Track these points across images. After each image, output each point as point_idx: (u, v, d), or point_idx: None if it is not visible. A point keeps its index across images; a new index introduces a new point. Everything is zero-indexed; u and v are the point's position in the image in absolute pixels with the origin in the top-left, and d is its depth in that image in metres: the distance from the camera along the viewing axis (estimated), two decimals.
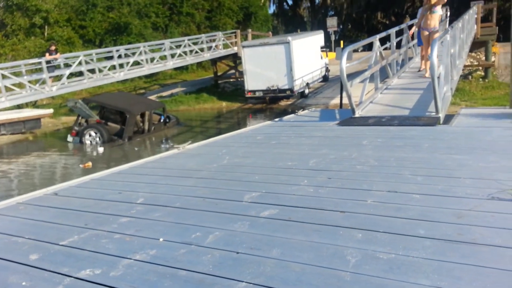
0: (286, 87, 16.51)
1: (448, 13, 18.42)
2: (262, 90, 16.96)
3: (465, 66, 14.54)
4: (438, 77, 5.76)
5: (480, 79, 16.42)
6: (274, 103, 17.93)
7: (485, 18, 18.82)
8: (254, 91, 17.12)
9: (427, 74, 8.56)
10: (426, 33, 8.46)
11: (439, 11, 8.32)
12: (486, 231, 2.09)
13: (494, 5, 19.84)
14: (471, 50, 15.39)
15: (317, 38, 19.56)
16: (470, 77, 16.75)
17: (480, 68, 17.08)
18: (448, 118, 5.82)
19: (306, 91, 17.67)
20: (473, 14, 14.88)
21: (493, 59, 17.63)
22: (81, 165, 9.00)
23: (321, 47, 20.36)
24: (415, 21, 9.52)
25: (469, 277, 1.67)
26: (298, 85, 16.73)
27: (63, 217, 2.76)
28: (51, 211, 2.93)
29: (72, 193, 3.35)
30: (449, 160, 3.59)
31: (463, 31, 10.07)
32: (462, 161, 3.52)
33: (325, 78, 20.65)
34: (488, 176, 3.02)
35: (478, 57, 17.72)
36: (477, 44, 16.76)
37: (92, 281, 1.85)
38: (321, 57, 20.11)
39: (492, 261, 1.78)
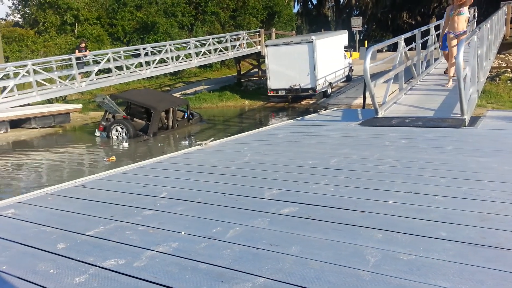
0: (309, 86, 16.46)
1: (476, 14, 17.97)
2: (285, 89, 16.95)
3: (492, 67, 14.15)
4: (464, 79, 5.65)
5: (508, 81, 15.92)
6: (296, 102, 17.90)
7: None
8: (276, 90, 17.13)
9: (449, 85, 8.05)
10: (452, 36, 7.75)
11: (466, 13, 7.63)
12: (511, 235, 2.06)
13: None
14: (499, 52, 14.96)
15: (341, 37, 19.40)
16: (497, 79, 16.27)
17: (509, 70, 16.57)
18: (474, 120, 5.70)
19: (329, 90, 17.57)
20: (502, 14, 14.46)
21: None
22: (105, 159, 9.23)
23: (345, 47, 20.17)
24: (442, 22, 9.14)
25: (492, 282, 1.65)
26: (320, 85, 16.65)
27: (89, 208, 2.86)
28: (79, 202, 3.03)
29: (99, 185, 3.46)
30: (473, 162, 3.52)
31: (491, 32, 9.82)
32: (487, 164, 3.45)
33: (348, 78, 20.45)
34: None
35: (507, 58, 17.19)
36: (506, 46, 16.27)
37: (116, 270, 1.92)
38: (345, 57, 19.92)
39: None
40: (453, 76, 7.58)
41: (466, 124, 5.47)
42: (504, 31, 15.37)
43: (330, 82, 17.59)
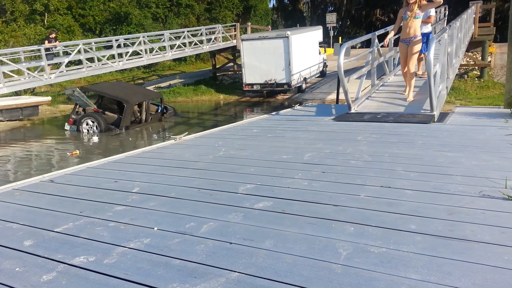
0: (284, 81, 16.60)
1: (446, 12, 18.48)
2: (260, 84, 17.04)
3: (461, 65, 14.58)
4: (434, 76, 5.79)
5: (476, 79, 16.49)
6: (271, 97, 17.96)
7: (483, 18, 18.84)
8: (251, 85, 17.20)
9: (420, 72, 8.40)
10: (405, 46, 6.76)
11: (421, 17, 6.75)
12: (477, 228, 2.13)
13: (492, 6, 19.88)
14: (468, 50, 15.43)
15: (316, 33, 19.60)
16: (466, 76, 16.82)
17: (476, 67, 17.14)
18: (443, 116, 5.86)
19: (304, 86, 17.76)
20: (471, 13, 14.90)
21: (489, 59, 17.68)
22: (68, 153, 9.05)
23: (320, 43, 20.35)
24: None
25: (459, 273, 1.70)
26: (295, 80, 16.81)
27: (58, 204, 2.77)
28: (47, 198, 2.94)
29: (68, 180, 3.36)
30: (442, 157, 3.62)
31: (461, 31, 10.10)
32: (455, 158, 3.56)
33: (322, 74, 20.67)
34: (480, 174, 3.05)
35: (474, 56, 17.76)
36: (474, 44, 16.82)
37: (86, 268, 1.87)
38: (319, 53, 20.11)
39: (482, 258, 1.81)
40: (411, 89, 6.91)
41: (436, 120, 5.62)
42: (472, 30, 15.84)
43: (305, 78, 17.75)
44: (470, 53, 17.54)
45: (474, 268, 1.74)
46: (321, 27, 21.37)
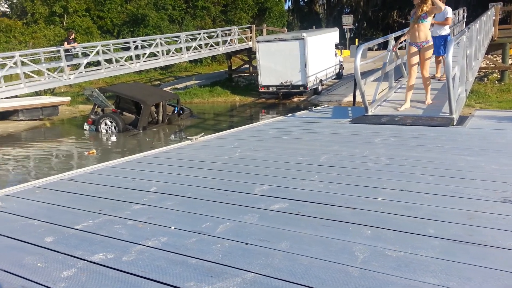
0: (300, 83, 16.53)
1: (465, 14, 18.17)
2: (276, 86, 17.01)
3: (481, 68, 14.33)
4: (453, 78, 5.70)
5: (496, 82, 16.16)
6: (287, 98, 17.94)
7: (503, 20, 18.48)
8: (267, 86, 17.18)
9: (438, 74, 8.42)
10: (414, 49, 6.40)
11: (430, 20, 6.37)
12: (498, 234, 2.09)
13: None
14: (487, 52, 15.14)
15: (332, 35, 19.50)
16: (485, 79, 16.50)
17: (496, 70, 16.81)
18: (462, 120, 5.77)
19: (320, 87, 17.68)
20: (491, 15, 14.62)
21: (510, 61, 17.32)
22: (85, 152, 9.21)
23: (336, 45, 20.24)
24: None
25: (479, 279, 1.67)
26: (311, 82, 16.73)
27: (78, 202, 2.83)
28: (67, 195, 3.00)
29: (87, 179, 3.42)
30: (461, 161, 3.57)
31: (480, 33, 9.92)
32: (475, 162, 3.50)
33: (338, 76, 20.56)
34: (500, 178, 2.99)
35: (494, 59, 17.42)
36: (494, 46, 16.48)
37: (104, 265, 1.91)
38: (336, 55, 20.01)
39: (503, 264, 1.78)
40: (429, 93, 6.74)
41: (455, 123, 5.53)
42: (492, 32, 15.55)
43: (321, 79, 17.65)
44: (490, 56, 17.22)
45: (495, 274, 1.71)
46: (337, 29, 21.25)
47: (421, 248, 1.95)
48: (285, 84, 16.70)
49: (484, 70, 16.58)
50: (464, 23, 17.04)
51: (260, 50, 17.05)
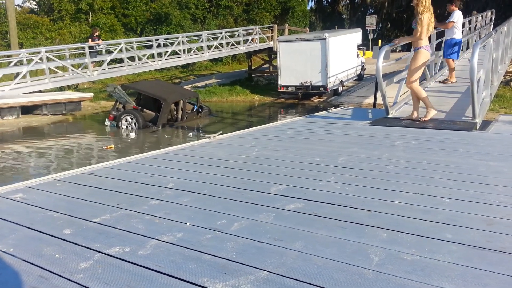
0: (320, 83, 16.42)
1: (493, 16, 17.69)
2: (295, 86, 16.94)
3: (507, 72, 13.94)
4: (478, 82, 5.57)
5: None
6: (306, 99, 17.86)
7: None
8: (287, 86, 17.13)
9: (453, 79, 8.45)
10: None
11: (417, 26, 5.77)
12: None
13: None
14: None
15: (355, 36, 19.31)
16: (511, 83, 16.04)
17: None
18: (485, 124, 5.63)
19: (340, 88, 17.52)
20: None
21: None
22: (104, 147, 9.39)
23: (358, 45, 20.02)
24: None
25: (496, 285, 1.64)
26: (331, 83, 16.61)
27: (97, 195, 2.89)
28: (86, 189, 3.06)
29: (107, 173, 3.49)
30: (483, 166, 3.48)
31: (508, 36, 9.67)
32: (497, 168, 3.41)
33: (360, 77, 20.35)
34: None
35: None
36: None
37: (121, 258, 1.94)
38: (358, 56, 19.82)
39: None
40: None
41: (478, 127, 5.41)
42: None
43: (341, 80, 17.49)
44: None
45: None
46: (360, 29, 21.02)
47: (438, 253, 1.92)
48: (305, 84, 16.62)
49: (510, 74, 16.13)
50: (492, 25, 16.61)
51: (281, 50, 17.00)
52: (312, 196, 2.78)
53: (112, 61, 16.37)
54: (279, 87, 17.46)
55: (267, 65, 22.64)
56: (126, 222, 2.37)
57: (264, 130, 5.83)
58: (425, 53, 5.84)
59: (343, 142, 4.69)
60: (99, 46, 16.33)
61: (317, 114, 7.56)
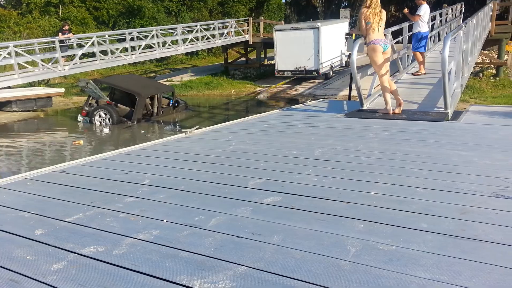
0: (313, 68, 17.97)
1: (463, 9, 18.20)
2: (291, 70, 18.50)
3: (477, 63, 14.34)
4: (449, 73, 5.70)
5: (491, 77, 16.19)
6: (299, 84, 18.84)
7: (500, 16, 18.47)
8: (283, 71, 18.61)
9: (422, 71, 8.73)
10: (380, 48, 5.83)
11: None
12: (489, 228, 2.09)
13: (510, 3, 19.44)
14: (484, 48, 15.14)
15: (343, 25, 20.82)
16: (481, 74, 16.51)
17: (492, 66, 16.83)
18: (457, 115, 5.78)
19: (330, 73, 19.10)
20: (488, 11, 14.62)
21: (505, 57, 17.33)
22: (72, 142, 9.17)
23: (346, 34, 20.50)
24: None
25: (469, 273, 1.68)
26: (323, 67, 18.16)
27: (69, 194, 2.80)
28: (58, 188, 2.97)
29: (80, 171, 3.40)
30: (455, 156, 3.57)
31: (477, 28, 9.92)
32: (468, 157, 3.51)
33: (347, 64, 20.91)
34: (493, 173, 3.00)
35: (490, 55, 17.44)
36: (491, 42, 16.47)
37: (95, 258, 1.89)
38: (345, 44, 20.32)
39: (493, 258, 1.79)
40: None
41: (449, 118, 5.55)
42: (489, 28, 15.55)
43: (331, 66, 18.99)
44: (486, 51, 17.24)
45: (485, 268, 1.71)
46: (347, 19, 21.56)
47: (414, 242, 1.96)
48: (299, 69, 18.17)
49: (480, 66, 16.60)
50: (462, 18, 17.03)
51: (277, 38, 18.39)
52: (289, 189, 2.79)
53: (84, 55, 15.92)
54: (276, 71, 18.81)
55: (244, 59, 22.57)
56: (100, 221, 2.31)
57: (241, 124, 5.81)
58: (372, 47, 5.85)
59: (319, 135, 4.72)
60: (70, 40, 15.86)
61: (294, 106, 7.59)
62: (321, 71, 17.99)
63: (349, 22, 23.12)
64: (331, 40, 18.47)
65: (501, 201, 2.47)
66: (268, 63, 23.05)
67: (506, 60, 17.30)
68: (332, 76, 19.13)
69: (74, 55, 15.20)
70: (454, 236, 2.01)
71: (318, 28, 17.56)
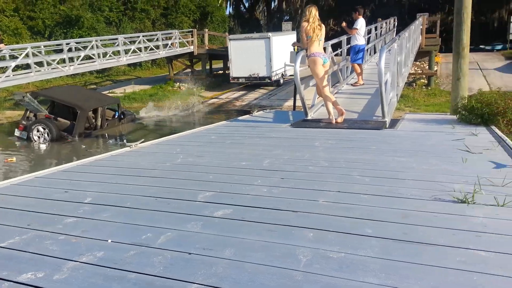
0: (265, 75, 19.16)
1: (396, 23, 19.46)
2: (245, 77, 19.59)
3: (410, 74, 15.26)
4: (385, 83, 6.00)
5: (424, 87, 17.30)
6: (253, 89, 19.66)
7: (429, 30, 19.89)
8: (238, 78, 19.66)
9: (361, 82, 9.20)
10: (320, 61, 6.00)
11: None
12: (430, 231, 2.21)
13: (437, 18, 21.03)
14: (416, 59, 16.17)
15: (292, 37, 21.52)
16: (414, 84, 17.61)
17: (424, 76, 18.01)
18: (394, 123, 6.08)
19: (281, 80, 20.29)
20: (418, 25, 15.66)
21: (435, 68, 18.64)
22: (4, 160, 8.58)
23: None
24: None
25: (415, 276, 1.75)
26: (275, 75, 19.35)
27: (3, 217, 2.60)
28: None
29: (14, 191, 3.16)
30: (394, 162, 3.75)
31: (409, 41, 10.58)
32: (407, 163, 3.70)
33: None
34: (430, 178, 3.18)
35: (422, 66, 18.65)
36: (422, 54, 17.67)
37: (34, 285, 1.76)
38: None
39: (436, 260, 1.88)
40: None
41: (387, 126, 5.82)
42: (420, 40, 16.65)
43: (282, 73, 20.25)
44: (418, 63, 18.42)
45: (429, 270, 1.80)
46: (295, 32, 22.32)
47: (361, 248, 2.01)
48: (253, 76, 19.28)
49: (412, 76, 17.68)
50: (395, 31, 18.09)
51: (232, 47, 19.40)
52: (240, 201, 2.77)
53: (18, 67, 14.96)
54: (231, 78, 19.78)
55: (189, 70, 22.41)
56: (38, 244, 2.16)
57: (188, 136, 5.72)
58: (313, 59, 6.04)
59: (267, 145, 4.77)
60: (1, 51, 14.85)
61: (240, 118, 7.61)
62: (273, 78, 19.28)
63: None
64: (281, 49, 19.51)
65: (439, 204, 2.62)
66: (217, 73, 23.47)
67: (436, 70, 18.60)
68: (282, 83, 20.30)
69: (6, 67, 14.24)
70: (397, 240, 2.10)
71: (269, 38, 18.88)
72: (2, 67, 14.49)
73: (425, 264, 1.85)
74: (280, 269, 1.83)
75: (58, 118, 11.23)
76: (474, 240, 2.07)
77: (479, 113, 5.65)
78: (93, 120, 11.68)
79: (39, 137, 10.80)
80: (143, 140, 5.14)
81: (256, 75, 19.27)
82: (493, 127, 5.39)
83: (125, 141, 10.29)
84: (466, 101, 6.16)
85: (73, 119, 11.20)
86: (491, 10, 32.02)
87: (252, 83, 20.00)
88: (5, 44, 15.74)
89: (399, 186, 3.00)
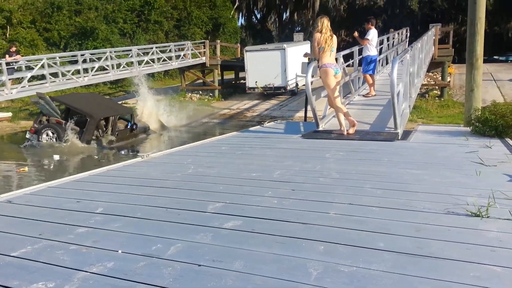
0: (281, 85, 19.65)
1: (408, 34, 19.42)
2: (261, 87, 19.98)
3: (422, 85, 15.16)
4: (397, 95, 5.97)
5: (436, 98, 17.15)
6: (269, 98, 20.03)
7: (442, 40, 19.80)
8: (253, 88, 20.12)
9: (372, 93, 9.14)
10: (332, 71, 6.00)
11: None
12: (444, 245, 2.17)
13: (450, 28, 20.94)
14: (428, 70, 16.07)
15: (306, 47, 21.85)
16: (427, 95, 17.47)
17: (437, 87, 17.87)
18: (406, 134, 6.03)
19: (296, 90, 20.53)
20: (431, 35, 15.59)
21: (448, 79, 18.48)
22: (16, 170, 8.68)
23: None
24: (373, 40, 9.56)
25: None
26: (290, 84, 19.70)
27: (16, 226, 2.62)
28: (3, 219, 2.77)
29: (27, 201, 3.20)
30: (407, 174, 3.71)
31: (422, 51, 10.53)
32: (419, 176, 3.65)
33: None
34: (443, 191, 3.14)
35: (435, 76, 18.53)
36: (434, 65, 17.55)
37: None
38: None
39: (450, 275, 1.84)
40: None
41: (399, 137, 5.78)
42: (433, 51, 16.56)
43: (297, 83, 20.38)
44: (430, 73, 18.30)
45: (443, 285, 1.76)
46: (309, 42, 22.52)
47: (373, 262, 1.98)
48: (268, 86, 19.72)
49: (425, 87, 17.56)
50: (407, 42, 18.04)
51: (248, 58, 19.96)
52: (249, 212, 2.76)
53: (33, 78, 15.26)
54: (247, 89, 20.31)
55: (201, 81, 22.62)
56: (49, 254, 2.17)
57: (199, 147, 5.75)
58: (324, 70, 6.03)
59: (277, 156, 4.76)
60: (17, 62, 15.18)
61: (251, 128, 7.62)
62: (288, 88, 19.76)
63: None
64: (296, 60, 19.61)
65: (452, 217, 2.57)
66: (230, 83, 23.90)
67: (449, 81, 18.44)
68: (297, 92, 20.54)
69: (22, 77, 14.54)
70: (411, 254, 2.06)
71: (284, 49, 19.36)
72: (18, 78, 14.79)
73: (439, 279, 1.81)
74: (290, 282, 1.81)
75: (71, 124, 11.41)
76: (489, 255, 2.03)
77: (493, 125, 5.57)
78: (105, 129, 11.82)
79: (47, 141, 11.02)
80: (154, 150, 5.17)
81: (272, 85, 19.70)
82: (508, 140, 5.31)
83: (135, 151, 10.35)
84: (479, 112, 6.08)
85: (84, 126, 11.37)
86: (505, 21, 31.82)
87: (267, 93, 20.46)
88: (22, 55, 16.12)
89: (412, 199, 2.96)
